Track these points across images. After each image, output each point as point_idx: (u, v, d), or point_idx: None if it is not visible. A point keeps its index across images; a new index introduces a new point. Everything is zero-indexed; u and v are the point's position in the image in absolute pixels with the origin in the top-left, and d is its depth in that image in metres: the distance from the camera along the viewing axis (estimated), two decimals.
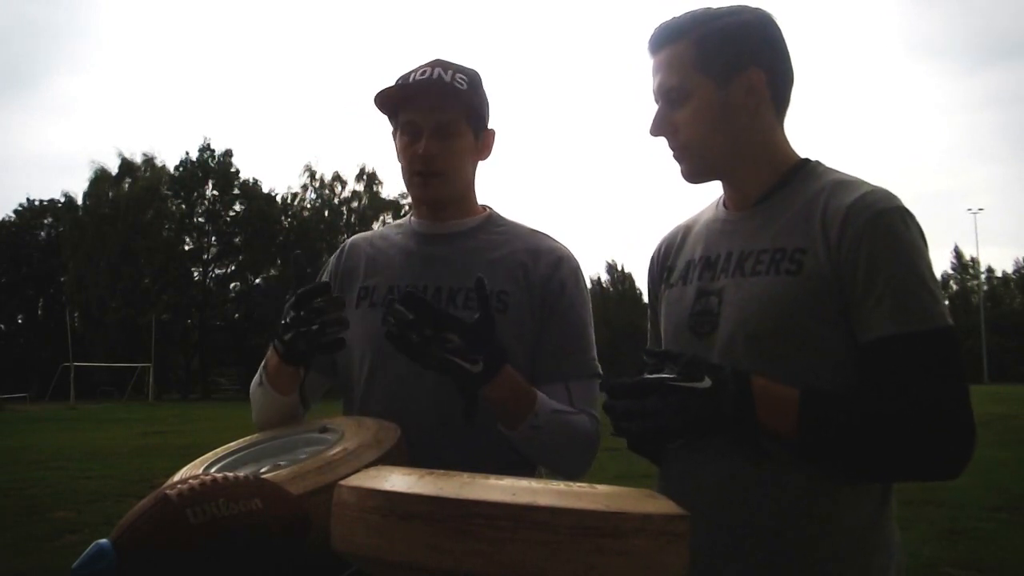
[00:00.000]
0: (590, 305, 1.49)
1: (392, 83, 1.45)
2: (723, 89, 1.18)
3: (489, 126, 1.51)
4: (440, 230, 1.50)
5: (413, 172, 1.43)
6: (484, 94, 1.48)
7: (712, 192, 1.35)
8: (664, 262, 1.37)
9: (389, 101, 1.45)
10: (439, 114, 1.41)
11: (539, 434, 1.30)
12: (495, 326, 1.19)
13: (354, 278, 1.52)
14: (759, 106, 1.20)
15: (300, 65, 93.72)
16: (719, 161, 1.22)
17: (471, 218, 1.51)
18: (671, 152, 1.24)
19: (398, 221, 1.62)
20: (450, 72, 1.42)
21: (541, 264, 1.44)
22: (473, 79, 1.45)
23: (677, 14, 1.22)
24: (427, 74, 1.42)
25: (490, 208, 1.55)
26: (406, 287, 1.42)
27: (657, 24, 1.22)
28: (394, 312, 1.16)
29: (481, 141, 1.49)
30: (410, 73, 1.44)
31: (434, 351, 1.15)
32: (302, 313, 1.29)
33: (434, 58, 1.46)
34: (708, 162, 1.22)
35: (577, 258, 1.51)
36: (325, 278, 1.54)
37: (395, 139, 1.49)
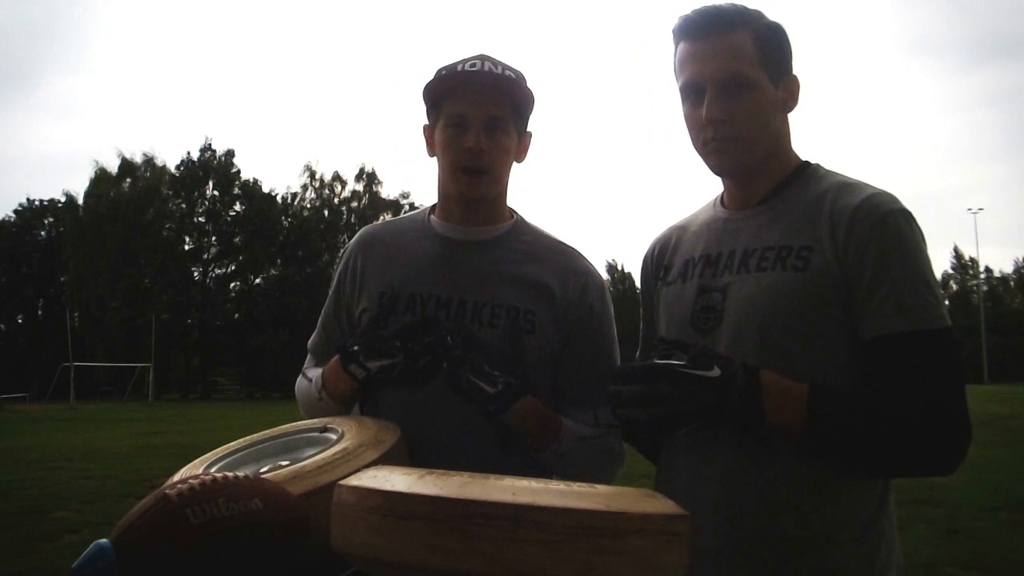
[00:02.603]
0: (614, 325, 1.48)
1: (435, 73, 1.41)
2: (776, 87, 1.20)
3: (529, 130, 1.47)
4: (467, 236, 1.45)
5: (458, 167, 1.38)
6: (530, 94, 1.43)
7: (707, 192, 1.35)
8: (659, 261, 1.37)
9: (437, 90, 1.41)
10: (491, 107, 1.37)
11: (565, 460, 1.33)
12: (524, 361, 1.27)
13: (372, 277, 1.47)
14: (790, 110, 1.24)
15: (300, 65, 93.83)
16: (756, 157, 1.22)
17: (499, 225, 1.47)
18: (711, 143, 1.21)
19: (412, 214, 1.57)
20: (500, 67, 1.39)
21: (570, 287, 1.42)
22: (521, 77, 1.42)
23: (712, 4, 1.20)
24: (478, 66, 1.38)
25: (517, 214, 1.51)
26: (429, 298, 1.40)
27: (697, 10, 1.20)
28: (445, 344, 1.26)
29: (521, 142, 1.46)
30: (457, 64, 1.40)
31: (460, 372, 1.24)
32: (410, 345, 1.29)
33: (479, 53, 1.42)
34: (748, 157, 1.21)
35: (601, 275, 1.51)
36: (341, 276, 1.53)
37: (431, 131, 1.45)
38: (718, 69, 1.17)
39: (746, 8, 1.20)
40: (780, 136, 1.24)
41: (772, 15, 1.22)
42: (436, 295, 1.40)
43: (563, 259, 1.46)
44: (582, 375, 1.41)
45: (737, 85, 1.17)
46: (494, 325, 1.37)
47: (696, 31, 1.20)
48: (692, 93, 1.21)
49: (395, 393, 1.37)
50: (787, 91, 1.22)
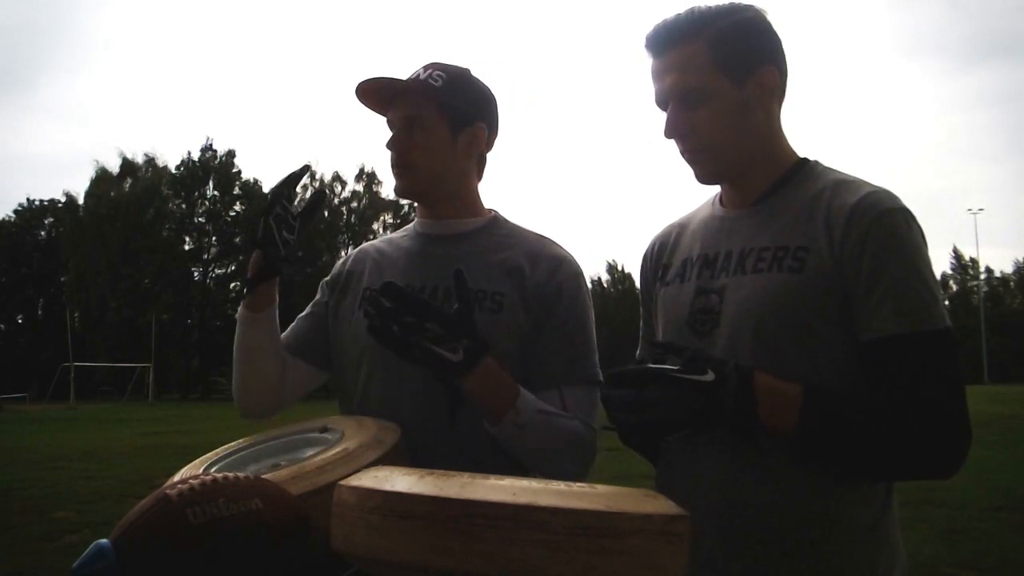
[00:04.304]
0: (591, 311, 1.46)
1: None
2: (741, 88, 1.17)
3: (480, 123, 1.48)
4: (442, 231, 1.50)
5: (391, 165, 1.48)
6: (468, 91, 1.47)
7: (708, 191, 1.34)
8: (658, 260, 1.36)
9: (373, 107, 1.50)
10: (404, 109, 1.45)
11: (524, 433, 1.27)
12: (474, 316, 1.19)
13: (358, 281, 1.52)
14: (772, 104, 1.21)
15: (301, 66, 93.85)
16: (736, 161, 1.21)
17: (474, 219, 1.51)
18: (685, 154, 1.22)
19: (405, 227, 1.62)
20: (428, 71, 1.45)
21: (540, 268, 1.43)
22: (455, 77, 1.45)
23: (673, 14, 1.19)
24: (396, 75, 1.46)
25: (496, 212, 1.55)
26: (405, 286, 1.43)
27: (656, 24, 1.19)
28: (373, 303, 1.17)
29: (461, 137, 1.46)
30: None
31: (415, 340, 1.14)
32: (279, 214, 1.41)
33: (430, 61, 1.47)
34: (726, 163, 1.21)
35: (580, 264, 1.49)
36: (331, 278, 1.58)
37: None
38: (671, 85, 1.18)
39: (707, 11, 1.18)
40: (765, 134, 1.21)
41: (771, 12, 1.21)
42: (411, 284, 1.43)
43: (536, 245, 1.48)
44: (549, 358, 1.39)
45: (693, 98, 1.17)
46: None
47: (652, 47, 1.20)
48: (661, 108, 1.22)
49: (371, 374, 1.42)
50: (759, 86, 1.18)
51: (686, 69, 1.17)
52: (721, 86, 1.16)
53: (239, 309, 1.53)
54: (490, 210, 1.55)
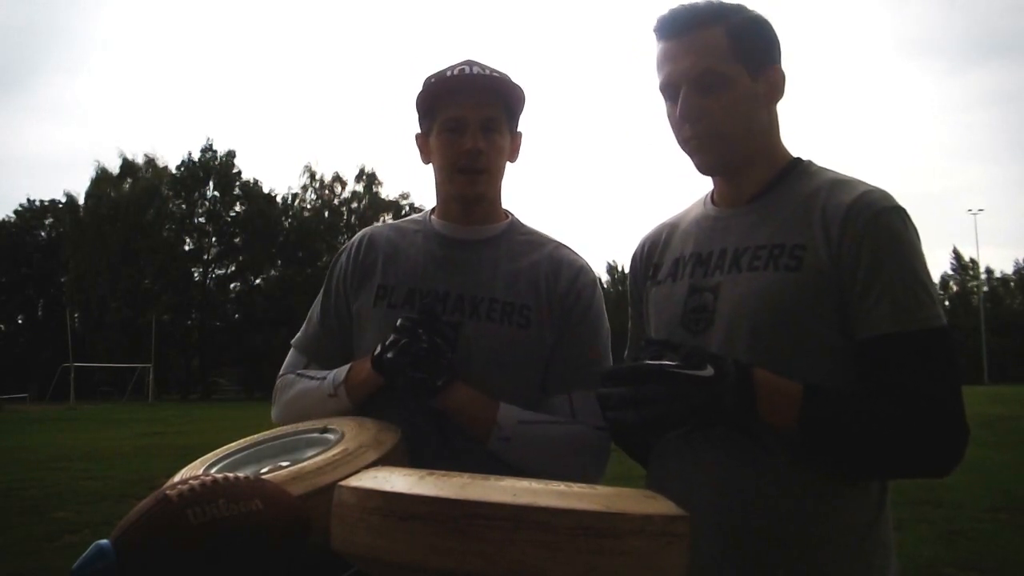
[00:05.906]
0: (605, 318, 1.47)
1: (424, 82, 1.43)
2: (755, 81, 1.17)
3: (520, 130, 1.49)
4: (464, 235, 1.47)
5: (457, 168, 1.40)
6: (521, 92, 1.45)
7: (699, 190, 1.34)
8: (649, 260, 1.36)
9: (430, 96, 1.42)
10: (486, 109, 1.40)
11: (512, 446, 1.31)
12: (445, 351, 1.29)
13: (371, 274, 1.48)
14: (775, 102, 1.22)
15: (300, 66, 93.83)
16: (739, 153, 1.20)
17: (495, 224, 1.49)
18: (692, 140, 1.21)
19: (414, 216, 1.59)
20: (488, 70, 1.42)
21: (562, 278, 1.43)
22: (509, 79, 1.44)
23: (686, 2, 1.19)
24: (467, 70, 1.40)
25: (512, 215, 1.53)
26: (427, 293, 1.42)
27: (672, 8, 1.19)
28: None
29: (513, 142, 1.48)
30: (445, 71, 1.42)
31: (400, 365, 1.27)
32: (428, 340, 1.29)
33: (465, 59, 1.44)
34: (731, 153, 1.20)
35: (593, 271, 1.50)
36: (340, 270, 1.52)
37: (425, 138, 1.47)
38: (690, 66, 1.17)
39: (723, 3, 1.19)
40: (767, 130, 1.22)
41: (767, 13, 1.21)
42: (434, 290, 1.42)
43: (556, 252, 1.48)
44: (562, 364, 1.40)
45: (710, 81, 1.16)
46: (492, 319, 1.38)
47: (669, 30, 1.19)
48: (669, 92, 1.21)
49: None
50: (768, 83, 1.19)
51: (705, 52, 1.16)
52: (738, 75, 1.16)
53: (337, 392, 1.39)
54: (506, 212, 1.53)
